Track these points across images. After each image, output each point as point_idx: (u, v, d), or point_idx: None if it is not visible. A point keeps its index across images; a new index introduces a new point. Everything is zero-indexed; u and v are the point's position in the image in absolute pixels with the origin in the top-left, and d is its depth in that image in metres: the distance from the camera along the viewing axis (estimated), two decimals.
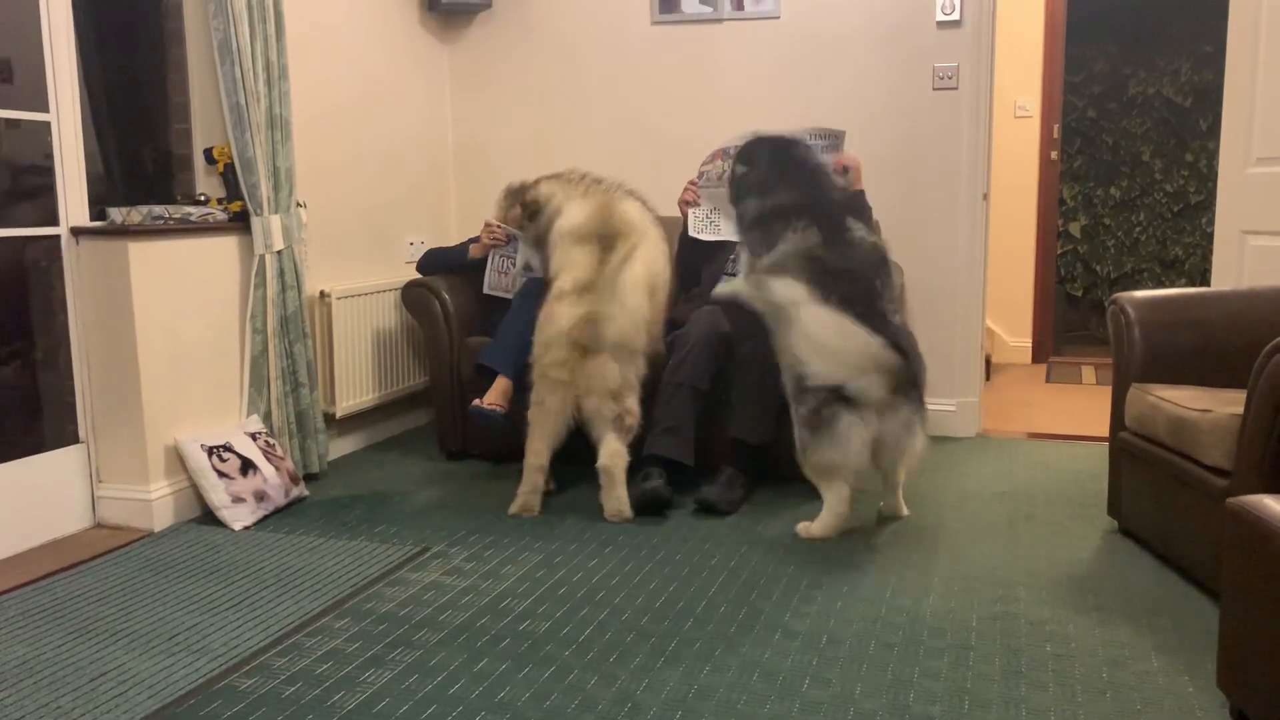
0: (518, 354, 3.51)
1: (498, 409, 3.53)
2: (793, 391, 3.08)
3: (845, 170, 3.64)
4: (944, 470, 3.81)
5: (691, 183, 3.79)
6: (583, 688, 2.17)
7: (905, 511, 3.31)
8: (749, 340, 3.37)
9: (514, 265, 4.00)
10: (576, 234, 3.41)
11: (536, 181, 3.72)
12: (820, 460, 3.03)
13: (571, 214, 3.48)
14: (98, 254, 3.16)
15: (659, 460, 3.39)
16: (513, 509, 3.35)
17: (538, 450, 3.33)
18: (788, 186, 3.21)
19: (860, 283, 3.08)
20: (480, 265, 4.04)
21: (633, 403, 3.31)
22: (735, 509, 3.33)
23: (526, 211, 3.67)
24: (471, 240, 4.09)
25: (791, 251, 3.12)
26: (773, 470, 3.57)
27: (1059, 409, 4.91)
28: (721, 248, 3.82)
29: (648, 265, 3.38)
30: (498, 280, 4.05)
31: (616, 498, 3.27)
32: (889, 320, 3.07)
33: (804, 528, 3.12)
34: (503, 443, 3.74)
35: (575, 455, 3.43)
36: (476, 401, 3.55)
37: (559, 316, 3.29)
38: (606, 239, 3.38)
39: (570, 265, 3.36)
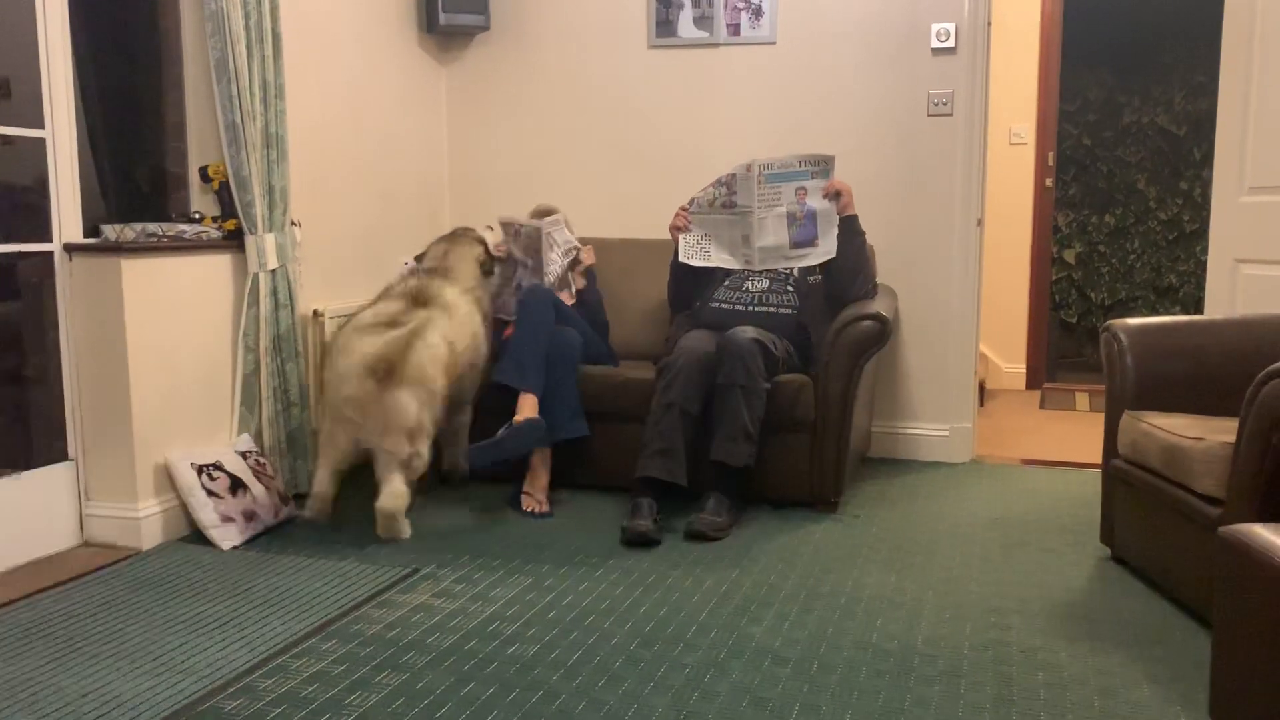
0: (535, 368, 3.50)
1: (538, 421, 3.44)
2: None
3: (837, 195, 3.66)
4: (937, 496, 3.80)
5: (683, 208, 3.81)
6: (571, 713, 2.15)
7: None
8: (728, 363, 3.36)
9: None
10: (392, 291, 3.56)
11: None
12: None
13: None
14: (91, 271, 3.16)
15: (652, 483, 3.37)
16: (306, 515, 3.35)
17: (323, 480, 3.31)
18: None
19: None
20: None
21: (424, 447, 3.25)
22: (725, 534, 3.30)
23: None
24: None
25: None
26: (760, 493, 3.56)
27: (1052, 435, 4.90)
28: (712, 273, 3.83)
29: (445, 332, 3.38)
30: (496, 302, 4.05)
31: (390, 530, 3.23)
32: None
33: None
34: (518, 463, 3.59)
35: (561, 479, 3.38)
36: (516, 420, 3.42)
37: (355, 348, 3.23)
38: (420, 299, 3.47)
39: (376, 309, 3.44)
